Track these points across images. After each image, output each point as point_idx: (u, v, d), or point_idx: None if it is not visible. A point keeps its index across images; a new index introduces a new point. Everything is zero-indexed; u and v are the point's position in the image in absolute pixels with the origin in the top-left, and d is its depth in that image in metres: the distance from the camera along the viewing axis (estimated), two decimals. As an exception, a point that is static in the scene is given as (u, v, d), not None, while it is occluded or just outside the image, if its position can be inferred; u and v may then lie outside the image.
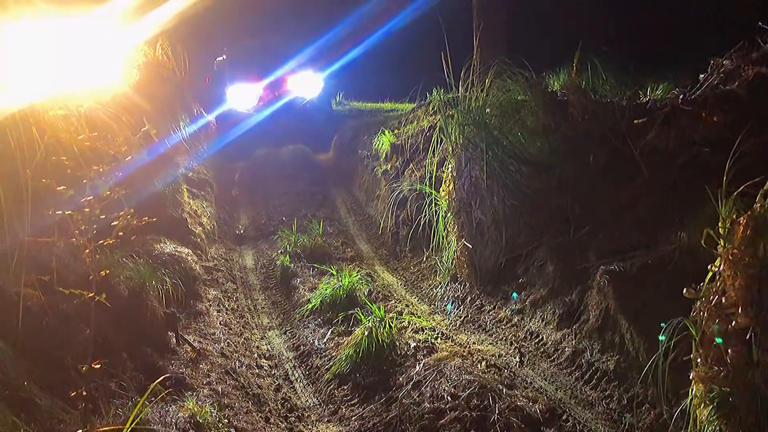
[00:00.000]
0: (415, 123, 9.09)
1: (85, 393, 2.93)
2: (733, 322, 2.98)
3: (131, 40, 7.39)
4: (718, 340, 3.01)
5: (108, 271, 3.01)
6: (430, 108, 8.76)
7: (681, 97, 5.77)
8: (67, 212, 2.88)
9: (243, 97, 11.99)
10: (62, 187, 2.97)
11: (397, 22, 12.71)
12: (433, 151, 7.03)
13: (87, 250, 2.87)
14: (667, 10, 9.36)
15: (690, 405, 3.19)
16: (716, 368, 3.01)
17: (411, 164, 8.59)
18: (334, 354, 5.48)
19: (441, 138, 6.68)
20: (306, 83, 12.20)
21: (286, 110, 11.95)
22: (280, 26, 14.38)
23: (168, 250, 6.11)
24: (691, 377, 3.15)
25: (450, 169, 6.55)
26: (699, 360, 3.12)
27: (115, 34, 6.51)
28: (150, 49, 8.30)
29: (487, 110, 6.15)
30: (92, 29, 5.71)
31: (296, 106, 12.11)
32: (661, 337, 3.46)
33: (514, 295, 5.58)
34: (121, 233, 3.03)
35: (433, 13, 6.49)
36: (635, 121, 5.40)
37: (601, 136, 5.46)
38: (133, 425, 2.78)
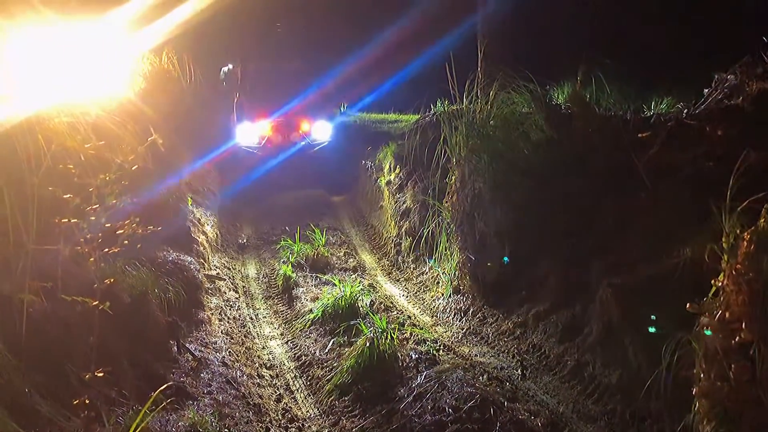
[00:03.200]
0: (419, 134, 9.10)
1: (87, 401, 2.93)
2: (737, 338, 2.98)
3: (136, 48, 7.43)
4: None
5: (113, 279, 3.01)
6: (435, 120, 8.77)
7: (685, 111, 5.79)
8: (73, 220, 2.89)
9: (251, 135, 10.84)
10: (69, 195, 2.98)
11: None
12: (437, 162, 7.05)
13: (92, 258, 2.87)
14: (671, 25, 9.40)
15: (693, 420, 3.18)
16: (720, 383, 3.00)
17: (414, 175, 8.59)
18: (335, 364, 5.46)
19: (445, 149, 6.70)
20: (318, 130, 11.15)
21: (295, 159, 10.86)
22: (291, 57, 12.95)
23: (171, 258, 6.11)
24: (694, 392, 3.14)
25: (453, 181, 6.56)
26: (702, 375, 3.11)
27: (120, 42, 6.55)
28: (156, 58, 8.35)
29: (491, 122, 6.17)
30: (97, 37, 5.74)
31: (307, 153, 10.99)
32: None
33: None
34: (126, 241, 3.04)
35: (439, 26, 6.52)
36: (639, 135, 5.41)
37: (604, 150, 5.47)
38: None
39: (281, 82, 11.45)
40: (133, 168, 3.29)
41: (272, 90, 11.24)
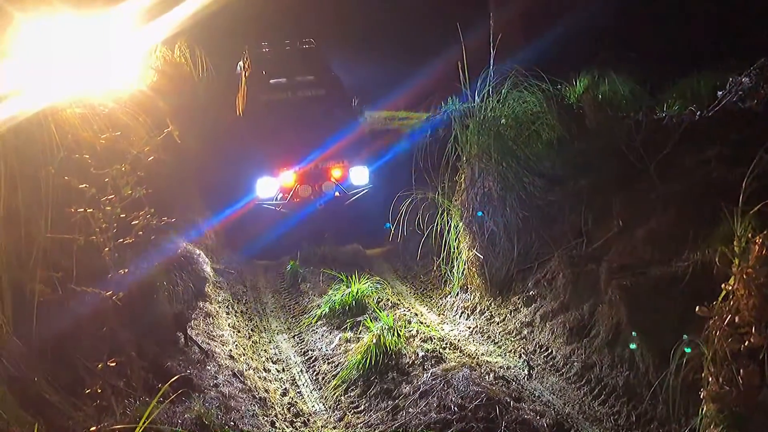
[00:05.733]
0: (430, 132, 9.08)
1: (100, 390, 2.95)
2: (746, 342, 2.96)
3: (148, 41, 7.43)
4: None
5: (126, 270, 3.02)
6: (445, 117, 8.75)
7: (698, 113, 5.76)
8: (88, 210, 2.90)
9: (272, 190, 8.71)
10: (84, 185, 2.99)
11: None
12: (447, 160, 7.03)
13: (107, 248, 2.89)
14: (686, 26, 9.36)
15: (700, 424, 3.16)
16: (728, 388, 2.99)
17: (424, 173, 8.57)
18: (342, 360, 5.47)
19: (455, 147, 6.68)
20: (354, 176, 8.97)
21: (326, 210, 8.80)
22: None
23: (180, 251, 6.13)
24: (702, 396, 3.13)
25: (463, 179, 6.54)
26: (710, 379, 3.10)
27: (132, 35, 6.55)
28: (168, 51, 8.36)
29: (502, 121, 6.15)
30: (109, 29, 5.75)
31: (340, 202, 8.85)
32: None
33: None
34: (140, 232, 3.06)
35: (452, 22, 6.50)
36: (651, 136, 5.39)
37: (616, 150, 5.45)
38: (145, 425, 2.79)
39: (304, 117, 9.29)
40: (149, 159, 3.30)
41: (294, 130, 9.07)
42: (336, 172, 8.88)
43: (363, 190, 8.84)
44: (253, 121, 9.24)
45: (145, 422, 2.78)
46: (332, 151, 8.78)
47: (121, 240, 2.95)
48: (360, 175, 8.94)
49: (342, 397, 5.00)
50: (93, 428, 2.87)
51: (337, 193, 8.79)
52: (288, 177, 8.67)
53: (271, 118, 9.29)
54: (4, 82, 3.59)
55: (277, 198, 8.65)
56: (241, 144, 9.07)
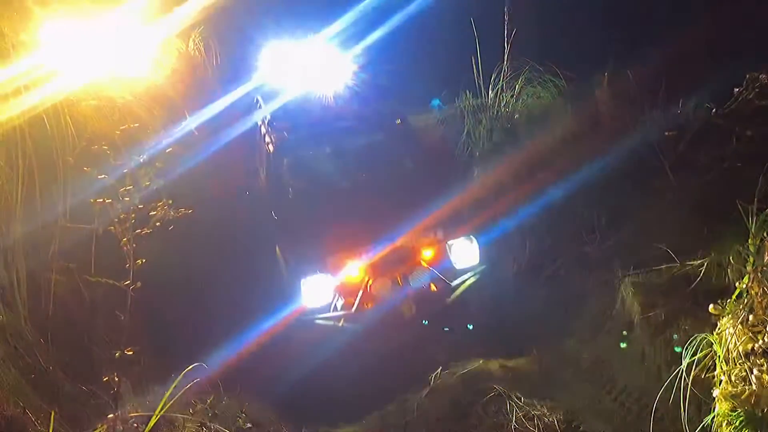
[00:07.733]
0: (442, 127, 9.06)
1: (117, 378, 2.99)
2: (760, 341, 2.95)
3: (163, 33, 7.45)
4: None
5: (144, 260, 3.05)
6: (458, 112, 8.72)
7: (714, 110, 5.71)
8: (107, 200, 2.94)
9: (326, 294, 5.23)
10: (103, 176, 3.02)
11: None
12: (459, 155, 7.02)
13: (125, 239, 2.92)
14: (701, 23, 9.25)
15: (712, 423, 3.15)
16: (741, 387, 2.98)
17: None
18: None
19: (468, 143, 6.67)
20: (456, 255, 5.50)
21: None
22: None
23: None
24: (714, 395, 3.12)
25: (476, 175, 6.53)
26: (723, 378, 3.09)
27: (147, 28, 6.58)
28: (182, 44, 8.38)
29: (516, 116, 6.14)
30: (125, 22, 5.79)
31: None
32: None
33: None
34: (158, 223, 3.08)
35: (466, 17, 6.48)
36: (666, 133, 5.36)
37: (630, 147, 5.43)
38: (162, 413, 2.81)
39: (360, 177, 5.89)
40: (167, 151, 3.33)
41: (348, 199, 5.66)
42: (426, 253, 5.53)
43: (472, 275, 5.53)
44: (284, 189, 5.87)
45: (162, 411, 2.81)
46: (418, 225, 5.41)
47: (140, 230, 2.98)
48: (465, 253, 5.54)
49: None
50: (110, 415, 2.91)
51: (433, 286, 5.42)
52: (351, 271, 5.30)
53: (314, 184, 5.87)
54: (22, 76, 3.63)
55: (336, 306, 5.24)
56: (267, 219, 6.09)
